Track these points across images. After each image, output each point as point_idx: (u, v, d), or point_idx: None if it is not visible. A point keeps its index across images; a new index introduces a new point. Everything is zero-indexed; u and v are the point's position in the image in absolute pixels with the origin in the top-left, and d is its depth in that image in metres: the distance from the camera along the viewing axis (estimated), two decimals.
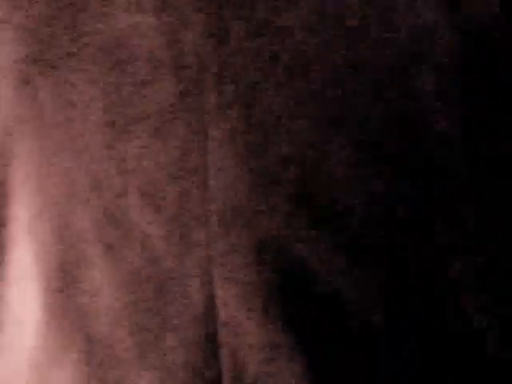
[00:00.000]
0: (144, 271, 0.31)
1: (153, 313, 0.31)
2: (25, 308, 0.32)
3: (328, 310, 0.32)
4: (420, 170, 0.31)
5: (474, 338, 0.33)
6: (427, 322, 0.32)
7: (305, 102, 0.30)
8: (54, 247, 0.32)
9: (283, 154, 0.30)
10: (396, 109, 0.30)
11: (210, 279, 0.30)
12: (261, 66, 0.30)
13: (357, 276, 0.31)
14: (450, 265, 0.32)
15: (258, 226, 0.30)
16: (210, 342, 0.30)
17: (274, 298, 0.31)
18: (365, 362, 0.32)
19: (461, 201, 0.32)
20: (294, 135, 0.30)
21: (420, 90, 0.31)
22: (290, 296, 0.31)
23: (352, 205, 0.30)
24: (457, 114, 0.31)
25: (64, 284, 0.32)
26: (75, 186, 0.32)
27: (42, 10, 0.33)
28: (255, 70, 0.30)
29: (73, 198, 0.32)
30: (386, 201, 0.30)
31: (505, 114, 0.33)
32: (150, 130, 0.31)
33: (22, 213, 0.32)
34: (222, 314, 0.30)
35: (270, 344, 0.30)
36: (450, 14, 0.32)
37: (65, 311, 0.32)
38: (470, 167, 0.32)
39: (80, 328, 0.32)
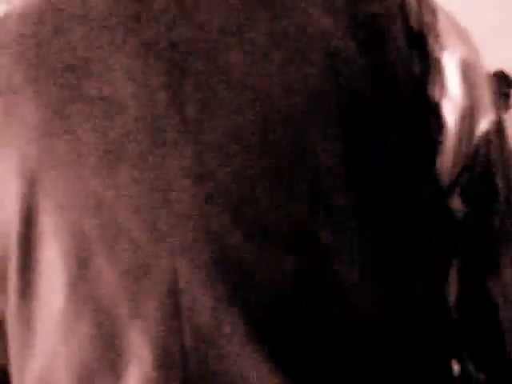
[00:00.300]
0: (130, 261, 0.44)
1: (138, 288, 0.44)
2: (52, 286, 0.46)
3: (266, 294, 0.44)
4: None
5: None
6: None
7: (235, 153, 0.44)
8: (71, 246, 0.45)
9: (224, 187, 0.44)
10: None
11: (174, 266, 0.44)
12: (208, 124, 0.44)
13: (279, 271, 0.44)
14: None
15: (207, 230, 0.44)
16: (175, 306, 0.44)
17: (221, 277, 0.43)
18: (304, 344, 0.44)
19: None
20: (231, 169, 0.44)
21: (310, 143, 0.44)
22: (236, 280, 0.44)
23: (280, 225, 0.44)
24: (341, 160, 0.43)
25: (78, 271, 0.45)
26: (84, 203, 0.45)
27: (51, 79, 0.46)
28: (207, 130, 0.44)
29: (83, 212, 0.45)
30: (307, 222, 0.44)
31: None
32: (132, 165, 0.44)
33: (50, 221, 0.46)
34: (183, 287, 0.44)
35: (215, 304, 0.43)
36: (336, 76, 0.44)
37: (79, 290, 0.45)
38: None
39: (90, 301, 0.45)
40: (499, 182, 0.47)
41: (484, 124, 0.47)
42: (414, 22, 0.47)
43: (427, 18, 0.47)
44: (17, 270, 0.47)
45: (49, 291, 0.46)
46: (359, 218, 0.44)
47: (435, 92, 0.45)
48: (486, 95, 0.48)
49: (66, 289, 0.45)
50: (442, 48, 0.46)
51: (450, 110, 0.46)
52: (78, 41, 0.46)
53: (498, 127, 0.48)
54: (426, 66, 0.46)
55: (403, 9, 0.46)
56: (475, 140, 0.46)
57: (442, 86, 0.46)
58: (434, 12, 0.48)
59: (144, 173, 0.44)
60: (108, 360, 0.45)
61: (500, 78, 2.65)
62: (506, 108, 2.67)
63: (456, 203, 0.47)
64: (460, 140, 0.46)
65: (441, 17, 0.49)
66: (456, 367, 0.52)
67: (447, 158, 0.46)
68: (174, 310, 0.44)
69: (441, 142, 0.45)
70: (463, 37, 0.49)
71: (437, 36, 0.47)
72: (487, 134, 0.47)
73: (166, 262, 0.44)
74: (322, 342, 0.44)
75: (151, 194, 0.44)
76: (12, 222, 0.46)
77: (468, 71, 0.47)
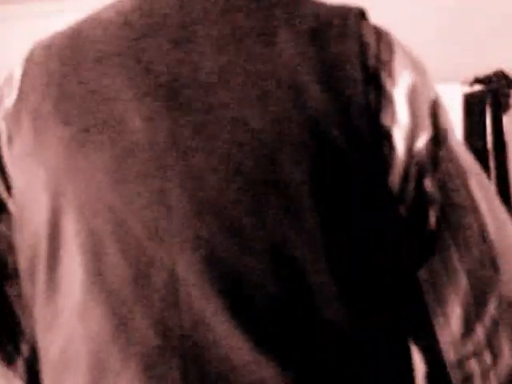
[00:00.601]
0: (136, 258, 0.55)
1: (143, 279, 0.55)
2: (73, 278, 0.56)
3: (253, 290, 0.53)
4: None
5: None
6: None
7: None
8: (88, 246, 0.56)
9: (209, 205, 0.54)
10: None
11: (174, 263, 0.54)
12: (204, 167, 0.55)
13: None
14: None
15: (199, 235, 0.54)
16: (174, 294, 0.54)
17: (210, 272, 0.53)
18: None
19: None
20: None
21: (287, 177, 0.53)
22: (221, 275, 0.53)
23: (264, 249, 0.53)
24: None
25: (93, 265, 0.55)
26: (99, 211, 0.55)
27: (72, 110, 0.57)
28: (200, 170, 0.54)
29: (98, 218, 0.56)
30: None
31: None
32: (137, 182, 0.55)
33: (71, 226, 0.56)
34: (181, 279, 0.54)
35: (206, 294, 0.53)
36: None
37: (94, 280, 0.55)
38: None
39: (104, 288, 0.55)
40: (433, 191, 0.55)
41: (421, 140, 0.56)
42: (371, 62, 0.56)
43: (384, 56, 0.57)
44: (45, 266, 0.57)
45: (70, 282, 0.57)
46: (327, 231, 0.53)
47: (388, 120, 0.55)
48: (425, 115, 0.57)
49: (84, 279, 0.56)
50: (393, 82, 0.56)
51: (399, 134, 0.55)
52: (95, 77, 0.57)
53: (433, 142, 0.56)
54: (380, 99, 0.55)
55: (363, 50, 0.56)
56: (413, 154, 0.56)
57: (393, 115, 0.56)
58: (390, 47, 0.58)
59: (147, 188, 0.55)
60: (118, 338, 0.54)
61: (500, 77, 2.65)
62: (506, 108, 2.67)
63: (401, 209, 0.56)
64: (406, 157, 0.56)
65: (396, 50, 0.59)
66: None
67: (397, 174, 0.55)
68: (174, 297, 0.54)
69: (392, 162, 0.55)
70: (413, 64, 0.59)
71: (390, 72, 0.56)
72: (421, 149, 0.56)
73: (166, 260, 0.54)
74: (298, 331, 0.53)
75: (153, 205, 0.55)
76: (41, 227, 0.57)
77: (413, 96, 0.56)
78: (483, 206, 0.55)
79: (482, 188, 0.56)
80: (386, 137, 0.55)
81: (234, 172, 0.53)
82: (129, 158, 0.55)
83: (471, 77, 2.67)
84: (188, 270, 0.53)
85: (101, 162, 0.55)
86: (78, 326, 0.55)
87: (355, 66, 0.54)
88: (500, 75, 2.63)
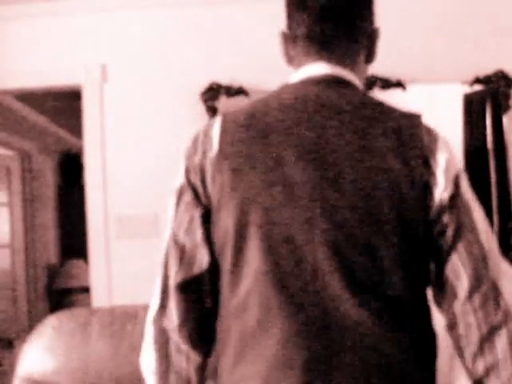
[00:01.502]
0: (293, 253, 0.93)
1: (298, 265, 0.92)
2: (251, 264, 0.95)
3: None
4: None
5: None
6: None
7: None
8: (264, 241, 0.93)
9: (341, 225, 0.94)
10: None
11: (316, 256, 0.92)
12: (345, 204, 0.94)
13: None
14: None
15: (335, 247, 0.92)
16: (316, 277, 0.92)
17: (339, 265, 0.91)
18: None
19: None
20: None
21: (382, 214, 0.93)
22: (343, 266, 0.91)
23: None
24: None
25: (267, 253, 0.93)
26: (272, 223, 0.94)
27: (258, 164, 0.96)
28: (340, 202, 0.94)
29: (271, 228, 0.94)
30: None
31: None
32: (300, 207, 0.93)
33: (252, 231, 0.95)
34: (320, 264, 0.92)
35: (334, 279, 0.91)
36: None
37: (266, 261, 0.93)
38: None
39: (272, 267, 0.93)
40: (452, 220, 0.95)
41: (446, 194, 0.95)
42: (425, 152, 0.95)
43: (431, 146, 0.96)
44: (233, 250, 0.95)
45: (250, 261, 0.93)
46: (400, 241, 0.93)
47: (432, 184, 0.95)
48: (451, 180, 0.95)
49: (260, 263, 0.93)
50: (436, 164, 0.96)
51: (437, 192, 0.95)
52: (271, 142, 0.97)
53: (453, 196, 0.95)
54: (430, 175, 0.95)
55: (420, 143, 0.96)
56: (442, 202, 0.96)
57: (435, 182, 0.95)
58: (435, 140, 0.97)
59: (303, 213, 0.93)
60: (279, 294, 0.92)
61: (500, 78, 2.64)
62: (506, 108, 2.66)
63: (434, 229, 0.97)
64: (438, 203, 0.95)
65: (438, 141, 0.97)
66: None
67: (433, 212, 0.95)
68: (315, 278, 0.91)
69: (431, 206, 0.95)
70: (446, 147, 0.98)
71: (434, 157, 0.96)
72: (446, 199, 0.95)
73: (312, 257, 0.92)
74: (381, 296, 0.92)
75: (307, 222, 0.92)
76: (230, 230, 0.95)
77: (446, 169, 0.96)
78: (483, 233, 0.95)
79: (480, 218, 0.96)
80: (430, 193, 0.94)
81: (353, 206, 0.92)
82: (292, 193, 0.93)
83: (471, 77, 2.67)
84: (325, 263, 0.91)
85: (275, 194, 0.93)
86: (254, 287, 0.93)
87: (417, 153, 0.95)
88: (500, 75, 2.63)
